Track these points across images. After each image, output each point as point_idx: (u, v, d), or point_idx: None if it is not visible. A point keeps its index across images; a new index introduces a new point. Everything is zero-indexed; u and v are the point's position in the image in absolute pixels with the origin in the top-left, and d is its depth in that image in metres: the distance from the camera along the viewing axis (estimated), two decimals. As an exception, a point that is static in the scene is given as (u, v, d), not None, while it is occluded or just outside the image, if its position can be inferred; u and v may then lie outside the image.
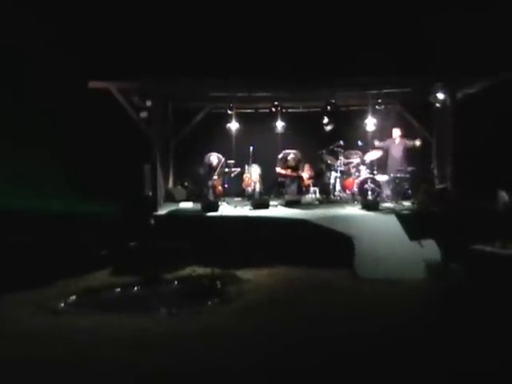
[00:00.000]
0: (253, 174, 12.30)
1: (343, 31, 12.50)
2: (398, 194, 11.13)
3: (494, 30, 11.19)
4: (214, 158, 12.31)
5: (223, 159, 12.00)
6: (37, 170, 11.10)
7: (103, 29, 12.09)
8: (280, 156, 12.56)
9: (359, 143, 12.09)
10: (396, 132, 11.74)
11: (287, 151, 12.53)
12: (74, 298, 7.14)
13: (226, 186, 11.74)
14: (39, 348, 5.16)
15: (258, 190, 12.31)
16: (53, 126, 11.46)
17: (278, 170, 12.42)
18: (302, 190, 12.49)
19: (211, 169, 12.17)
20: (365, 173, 11.44)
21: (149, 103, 10.89)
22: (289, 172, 12.31)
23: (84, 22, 12.14)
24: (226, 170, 11.74)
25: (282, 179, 12.60)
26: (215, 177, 11.97)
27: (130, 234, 9.23)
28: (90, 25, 12.10)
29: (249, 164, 12.25)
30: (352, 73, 10.74)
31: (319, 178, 12.67)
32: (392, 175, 11.33)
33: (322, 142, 12.32)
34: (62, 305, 6.83)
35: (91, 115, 11.80)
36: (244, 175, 12.41)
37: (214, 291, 7.29)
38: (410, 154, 11.59)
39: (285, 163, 12.40)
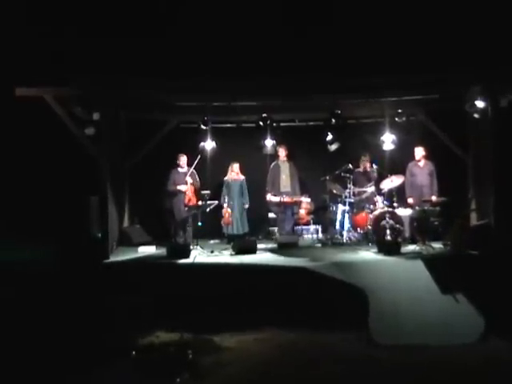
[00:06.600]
0: (235, 209, 12.45)
1: (348, 16, 12.46)
2: (426, 233, 11.23)
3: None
4: (184, 157, 12.29)
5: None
6: None
7: (34, 22, 12.19)
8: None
9: (374, 166, 12.30)
10: (419, 152, 11.92)
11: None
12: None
13: (199, 223, 11.66)
14: None
15: (241, 228, 12.48)
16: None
17: (269, 197, 12.42)
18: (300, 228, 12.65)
19: (180, 174, 12.16)
20: (382, 205, 11.59)
21: (96, 116, 11.00)
22: (285, 199, 12.24)
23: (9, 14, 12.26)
24: (200, 203, 11.71)
25: (273, 215, 12.77)
26: (188, 178, 11.92)
27: (71, 289, 9.25)
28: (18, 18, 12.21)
29: (230, 195, 12.44)
30: (361, 72, 10.81)
31: (322, 213, 12.82)
32: (417, 208, 11.49)
33: (325, 166, 12.54)
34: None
35: (20, 131, 11.89)
36: (223, 210, 12.48)
37: (184, 364, 7.33)
38: (439, 179, 11.80)
39: None
